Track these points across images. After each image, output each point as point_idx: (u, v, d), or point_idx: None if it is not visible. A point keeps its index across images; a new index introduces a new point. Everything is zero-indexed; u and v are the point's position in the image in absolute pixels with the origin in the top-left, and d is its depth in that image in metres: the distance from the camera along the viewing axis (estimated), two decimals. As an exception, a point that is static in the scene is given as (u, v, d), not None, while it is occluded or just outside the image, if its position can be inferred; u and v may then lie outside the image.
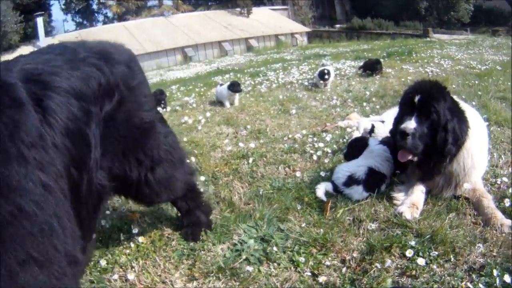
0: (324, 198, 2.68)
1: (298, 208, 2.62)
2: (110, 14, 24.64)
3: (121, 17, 23.10)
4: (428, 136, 2.49)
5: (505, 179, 2.84)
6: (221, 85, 5.95)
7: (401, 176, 2.85)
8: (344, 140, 3.74)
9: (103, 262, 2.16)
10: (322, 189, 2.75)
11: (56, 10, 44.74)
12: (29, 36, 17.13)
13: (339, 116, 4.76)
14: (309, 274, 2.04)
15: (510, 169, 3.04)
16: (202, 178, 3.11)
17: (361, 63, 7.51)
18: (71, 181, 1.39)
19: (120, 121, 1.76)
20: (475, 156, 2.58)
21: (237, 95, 5.67)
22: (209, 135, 4.36)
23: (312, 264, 2.09)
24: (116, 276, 2.07)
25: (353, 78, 6.90)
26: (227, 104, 5.62)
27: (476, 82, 5.86)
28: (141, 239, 2.35)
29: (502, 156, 3.27)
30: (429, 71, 6.96)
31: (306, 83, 6.74)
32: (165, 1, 25.25)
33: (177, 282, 2.04)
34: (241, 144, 3.84)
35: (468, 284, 1.86)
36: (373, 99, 5.37)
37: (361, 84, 6.42)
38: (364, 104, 5.15)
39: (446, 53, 9.12)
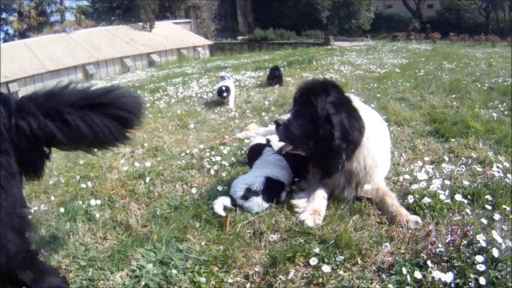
0: (223, 213, 2.58)
1: (197, 225, 2.53)
2: (11, 31, 23.70)
3: (22, 34, 21.99)
4: (309, 129, 2.52)
5: (407, 176, 2.92)
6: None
7: (302, 183, 2.87)
8: (242, 151, 3.79)
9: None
10: (220, 205, 2.66)
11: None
12: None
13: (238, 127, 4.82)
14: (212, 294, 1.98)
15: (411, 166, 3.17)
16: (98, 202, 2.94)
17: (261, 73, 7.80)
18: None
19: None
20: (376, 155, 2.60)
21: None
22: (105, 156, 4.13)
23: (214, 283, 2.00)
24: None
25: (252, 89, 7.09)
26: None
27: (375, 85, 6.22)
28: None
29: (403, 154, 3.44)
30: (329, 77, 7.22)
31: (205, 96, 6.77)
32: (67, 17, 24.39)
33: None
34: (137, 164, 3.72)
35: (377, 285, 1.85)
36: (272, 108, 5.55)
37: (260, 94, 6.61)
38: (263, 114, 5.29)
39: (346, 59, 9.71)
